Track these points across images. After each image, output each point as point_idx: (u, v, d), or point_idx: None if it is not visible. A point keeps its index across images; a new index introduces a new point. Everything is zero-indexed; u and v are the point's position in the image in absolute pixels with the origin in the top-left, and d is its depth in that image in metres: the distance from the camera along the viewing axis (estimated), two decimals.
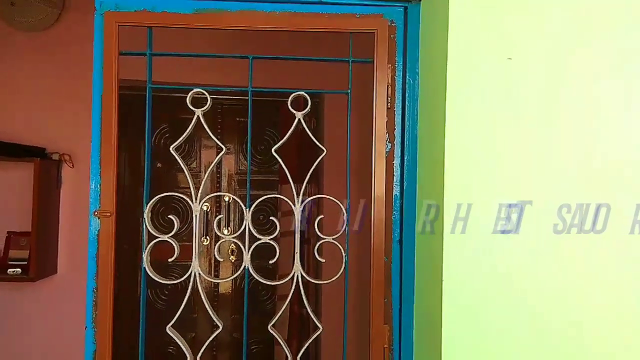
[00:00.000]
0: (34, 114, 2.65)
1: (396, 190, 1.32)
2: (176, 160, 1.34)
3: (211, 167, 1.41)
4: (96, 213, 1.29)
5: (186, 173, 1.35)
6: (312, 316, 1.36)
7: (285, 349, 1.33)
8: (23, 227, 2.58)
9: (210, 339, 1.34)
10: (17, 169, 2.59)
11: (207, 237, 2.82)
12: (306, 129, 1.36)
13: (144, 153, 1.35)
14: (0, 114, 2.63)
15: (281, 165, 1.36)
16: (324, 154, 1.35)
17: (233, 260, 2.88)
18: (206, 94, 1.32)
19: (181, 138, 1.34)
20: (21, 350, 2.65)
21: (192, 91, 1.32)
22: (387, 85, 1.30)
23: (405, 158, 1.32)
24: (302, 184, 1.34)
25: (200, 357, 1.32)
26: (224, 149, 1.41)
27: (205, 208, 2.79)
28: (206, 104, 1.33)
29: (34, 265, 2.45)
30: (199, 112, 1.33)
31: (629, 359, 1.06)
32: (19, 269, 2.48)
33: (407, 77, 1.31)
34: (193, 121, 1.33)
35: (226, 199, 2.91)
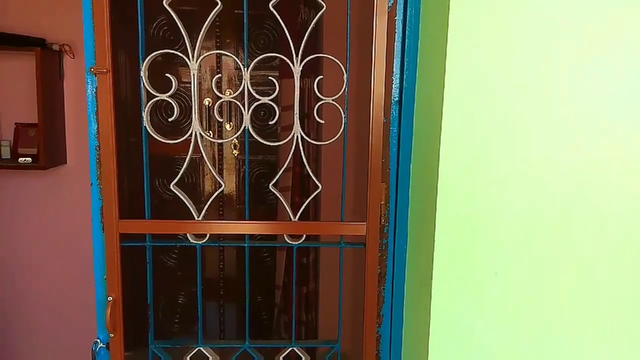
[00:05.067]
0: (31, 5, 2.45)
1: (397, 48, 1.21)
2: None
3: (207, 21, 1.25)
4: (92, 69, 1.18)
5: (182, 31, 1.23)
6: (312, 176, 1.30)
7: (285, 205, 1.28)
8: (30, 118, 2.47)
9: (216, 194, 1.29)
10: (18, 60, 2.43)
11: (211, 132, 2.73)
12: None
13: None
14: None
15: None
16: (323, 9, 1.22)
17: (236, 155, 2.81)
18: None
19: None
20: (34, 234, 2.66)
21: None
22: None
23: (409, 13, 1.19)
24: (301, 43, 1.22)
25: (204, 214, 1.28)
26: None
27: (207, 103, 2.67)
28: None
29: (43, 154, 2.37)
30: None
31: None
32: (29, 158, 2.41)
33: None
34: None
35: (227, 94, 2.78)
